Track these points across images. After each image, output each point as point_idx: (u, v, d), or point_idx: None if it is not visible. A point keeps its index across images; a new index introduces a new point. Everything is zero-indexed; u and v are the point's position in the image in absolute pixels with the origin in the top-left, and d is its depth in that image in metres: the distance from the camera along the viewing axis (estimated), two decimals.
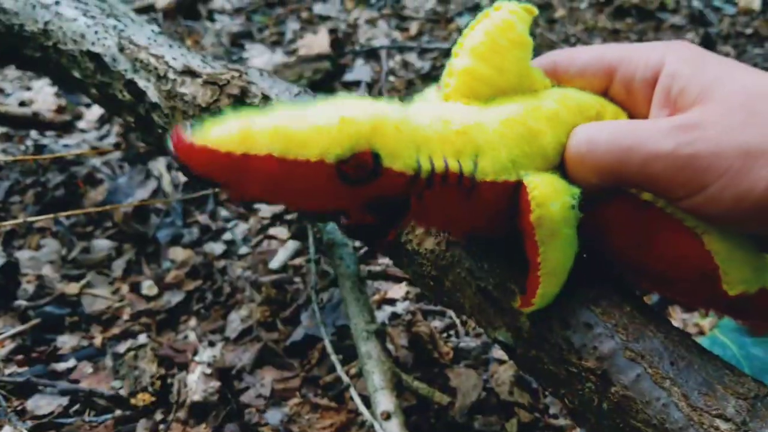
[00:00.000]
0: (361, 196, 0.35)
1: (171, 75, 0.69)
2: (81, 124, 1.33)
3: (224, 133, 0.31)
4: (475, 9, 1.77)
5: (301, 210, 0.40)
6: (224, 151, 0.31)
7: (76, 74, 0.78)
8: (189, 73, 0.69)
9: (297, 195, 0.34)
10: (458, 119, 0.39)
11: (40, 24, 0.80)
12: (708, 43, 1.52)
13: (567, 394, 0.48)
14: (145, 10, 1.77)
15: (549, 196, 0.38)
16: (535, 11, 0.45)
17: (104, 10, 0.81)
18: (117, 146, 1.24)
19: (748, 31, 1.61)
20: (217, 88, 0.66)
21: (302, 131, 0.32)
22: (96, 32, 0.76)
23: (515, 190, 0.39)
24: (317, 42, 1.55)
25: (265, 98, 0.65)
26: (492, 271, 0.51)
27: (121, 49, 0.73)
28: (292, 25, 1.73)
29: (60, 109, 1.35)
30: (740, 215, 0.37)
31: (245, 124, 0.32)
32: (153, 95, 0.69)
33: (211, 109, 0.65)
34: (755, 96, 0.38)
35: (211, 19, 1.73)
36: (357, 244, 0.89)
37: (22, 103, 1.37)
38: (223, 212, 1.09)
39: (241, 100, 0.65)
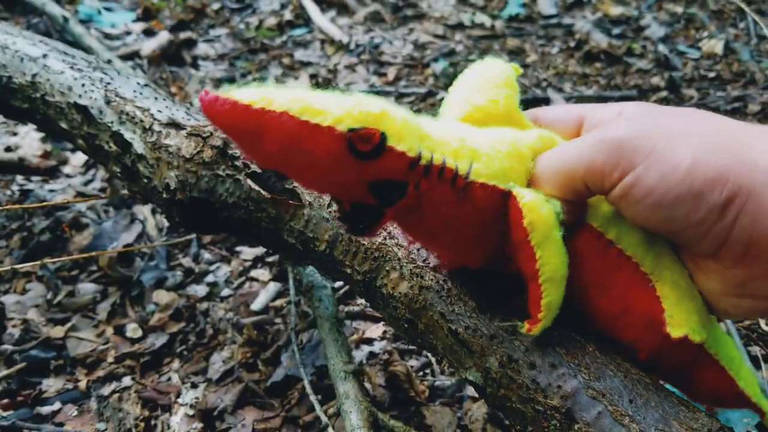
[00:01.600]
0: (366, 173, 0.38)
1: (156, 127, 0.72)
2: (66, 169, 1.36)
3: (248, 91, 0.35)
4: (450, 54, 1.83)
5: (308, 184, 0.43)
6: (245, 103, 0.34)
7: (64, 125, 0.81)
8: (174, 125, 0.72)
9: (306, 163, 0.37)
10: (457, 130, 0.44)
11: (28, 76, 0.83)
12: (673, 86, 1.58)
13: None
14: (131, 56, 1.81)
15: (538, 202, 0.42)
16: (520, 71, 0.52)
17: (91, 63, 0.84)
18: (102, 191, 1.26)
19: (711, 74, 1.68)
20: (201, 140, 0.70)
21: (320, 102, 0.36)
22: (83, 85, 0.79)
23: (503, 199, 0.43)
24: (298, 86, 1.60)
25: None
26: (462, 314, 0.54)
27: (108, 102, 0.76)
28: (275, 71, 1.77)
29: (46, 155, 1.38)
30: (665, 195, 0.39)
31: (267, 89, 0.36)
32: (139, 146, 0.73)
33: (195, 160, 0.69)
34: (687, 111, 0.44)
35: (196, 65, 1.78)
36: (336, 284, 0.92)
37: (8, 149, 1.39)
38: (207, 255, 1.11)
39: (223, 151, 0.68)
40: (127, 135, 0.74)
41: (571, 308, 0.49)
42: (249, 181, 0.67)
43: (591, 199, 0.45)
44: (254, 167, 0.66)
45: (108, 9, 2.19)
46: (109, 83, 0.79)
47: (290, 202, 0.65)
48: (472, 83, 0.50)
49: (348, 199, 0.41)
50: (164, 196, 0.70)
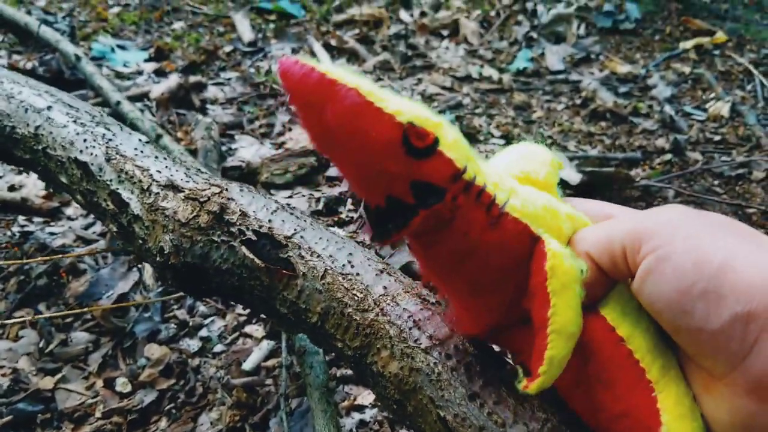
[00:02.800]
0: (411, 171, 0.39)
1: (154, 188, 0.72)
2: (68, 211, 1.36)
3: (325, 64, 0.37)
4: (457, 107, 1.83)
5: (351, 173, 0.42)
6: (321, 71, 0.37)
7: (64, 179, 0.81)
8: (172, 187, 0.72)
9: (359, 142, 0.38)
10: (500, 172, 0.45)
11: (32, 128, 0.84)
12: (677, 149, 1.58)
13: None
14: (140, 98, 1.83)
15: (563, 252, 0.42)
16: (563, 165, 0.55)
17: (94, 117, 0.85)
18: (103, 236, 1.26)
19: (717, 138, 1.68)
20: (198, 204, 0.69)
21: (387, 93, 0.38)
22: (85, 140, 0.79)
23: (532, 244, 0.43)
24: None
25: (244, 215, 0.68)
26: (452, 401, 0.53)
27: (108, 159, 0.76)
28: (282, 118, 1.78)
29: (48, 195, 1.38)
30: (693, 285, 0.38)
31: (338, 67, 0.38)
32: (135, 207, 0.72)
33: (190, 224, 0.68)
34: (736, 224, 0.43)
35: (204, 109, 1.79)
36: (327, 356, 0.90)
37: (11, 187, 1.39)
38: (202, 308, 1.10)
39: (219, 216, 0.68)
40: (125, 194, 0.74)
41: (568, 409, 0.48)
42: (244, 249, 0.66)
43: (611, 292, 0.45)
44: (249, 234, 0.66)
45: (121, 47, 2.22)
46: (110, 140, 0.79)
47: (284, 271, 0.64)
48: (519, 152, 0.53)
49: (384, 193, 0.41)
50: (158, 259, 0.70)
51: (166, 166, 0.75)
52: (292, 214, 0.70)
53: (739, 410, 0.39)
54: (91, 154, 0.78)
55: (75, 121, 0.83)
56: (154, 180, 0.73)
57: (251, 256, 0.66)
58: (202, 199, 0.69)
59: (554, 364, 0.44)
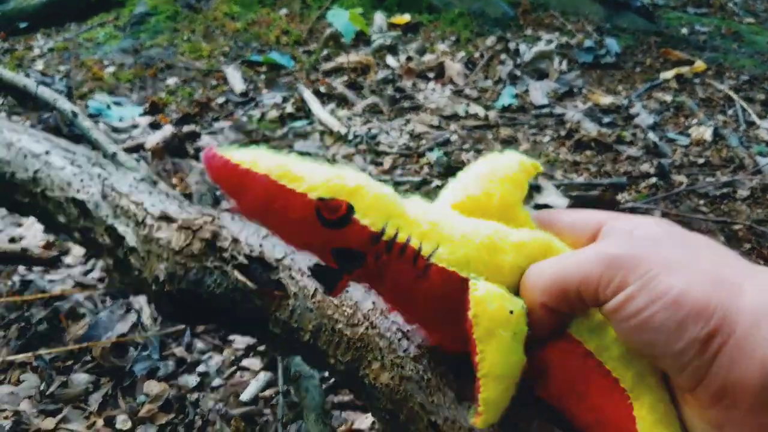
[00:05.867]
0: (330, 239, 0.41)
1: (149, 221, 0.75)
2: (68, 260, 1.38)
3: (241, 153, 0.40)
4: (445, 144, 1.88)
5: (281, 238, 0.45)
6: (234, 163, 0.39)
7: (61, 219, 0.83)
8: (165, 218, 0.74)
9: (278, 220, 0.41)
10: (436, 214, 0.46)
11: (30, 172, 0.87)
12: (662, 173, 1.62)
13: None
14: (135, 149, 1.87)
15: (488, 297, 0.43)
16: (541, 169, 0.53)
17: (90, 159, 0.88)
18: (101, 281, 1.28)
19: (701, 161, 1.72)
20: (191, 233, 0.72)
21: (299, 171, 0.40)
22: (81, 180, 0.82)
23: (462, 289, 0.43)
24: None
25: (235, 241, 0.70)
26: (442, 405, 0.54)
27: (104, 197, 0.79)
28: None
29: (48, 245, 1.41)
30: (651, 319, 0.39)
31: (260, 152, 0.40)
32: (131, 239, 0.75)
33: (184, 252, 0.71)
34: (695, 240, 0.44)
35: (198, 157, 1.83)
36: (325, 374, 0.92)
37: (12, 239, 1.42)
38: (199, 344, 1.12)
39: (212, 243, 0.70)
40: (121, 228, 0.76)
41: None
42: (236, 273, 0.69)
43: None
44: (241, 259, 0.68)
45: (117, 104, 2.28)
46: (106, 179, 0.82)
47: (275, 292, 0.66)
48: (476, 173, 0.51)
49: (317, 257, 0.44)
50: (154, 287, 0.72)
51: (160, 200, 0.78)
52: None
53: (710, 419, 0.41)
54: (88, 192, 0.81)
55: (72, 163, 0.86)
56: (148, 213, 0.76)
57: (243, 279, 0.68)
58: (194, 228, 0.72)
59: (490, 404, 0.45)
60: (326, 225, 0.40)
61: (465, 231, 0.45)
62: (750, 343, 0.36)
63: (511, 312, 0.43)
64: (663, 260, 0.40)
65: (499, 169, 0.51)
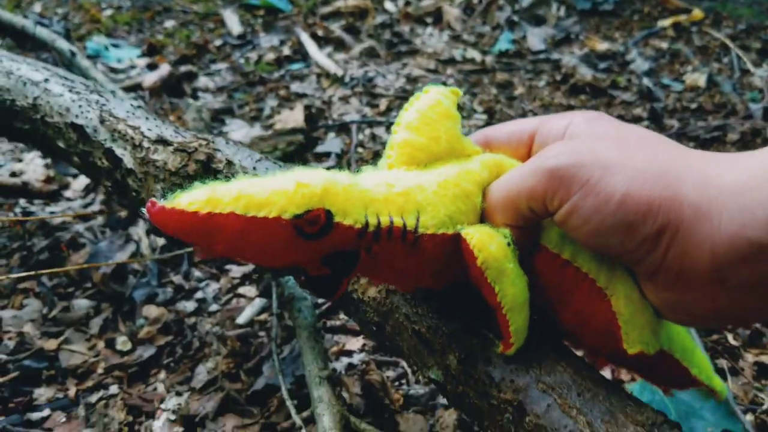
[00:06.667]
0: (317, 250, 0.39)
1: (145, 143, 0.77)
2: (67, 193, 1.41)
3: (192, 197, 0.36)
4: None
5: (265, 266, 0.44)
6: (191, 211, 0.35)
7: (61, 144, 0.86)
8: (162, 141, 0.77)
9: (259, 251, 0.38)
10: (401, 183, 0.45)
11: (30, 99, 0.89)
12: (654, 116, 1.63)
13: (490, 426, 0.53)
14: (133, 88, 1.88)
15: (486, 240, 0.44)
16: (460, 93, 0.53)
17: (88, 86, 0.90)
18: (100, 212, 1.31)
19: (693, 106, 1.73)
20: (186, 155, 0.74)
21: (262, 193, 0.37)
22: (80, 106, 0.84)
23: (454, 243, 0.45)
24: (293, 117, 1.66)
25: (229, 164, 0.73)
26: (425, 315, 0.57)
27: (102, 121, 0.82)
28: (271, 102, 1.84)
29: (48, 179, 1.43)
30: (600, 225, 0.41)
31: (210, 189, 0.37)
32: (128, 162, 0.77)
33: (180, 173, 0.73)
34: (626, 134, 0.45)
35: (195, 97, 1.84)
36: (318, 300, 0.96)
37: (13, 174, 1.45)
38: (197, 273, 1.15)
39: (207, 165, 0.73)
40: (118, 151, 0.78)
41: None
42: None
43: (544, 222, 0.47)
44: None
45: (115, 45, 2.27)
46: (104, 105, 0.84)
47: None
48: (410, 123, 0.49)
49: (303, 272, 0.43)
50: None
51: (156, 125, 0.80)
52: (275, 163, 0.74)
53: (666, 300, 0.45)
54: (86, 117, 0.83)
55: (70, 90, 0.88)
56: (145, 136, 0.78)
57: None
58: (190, 150, 0.74)
59: (519, 332, 0.48)
60: (310, 238, 0.38)
61: (435, 188, 0.46)
62: (697, 234, 0.39)
63: (509, 244, 0.45)
64: (600, 162, 0.41)
65: (430, 111, 0.50)
